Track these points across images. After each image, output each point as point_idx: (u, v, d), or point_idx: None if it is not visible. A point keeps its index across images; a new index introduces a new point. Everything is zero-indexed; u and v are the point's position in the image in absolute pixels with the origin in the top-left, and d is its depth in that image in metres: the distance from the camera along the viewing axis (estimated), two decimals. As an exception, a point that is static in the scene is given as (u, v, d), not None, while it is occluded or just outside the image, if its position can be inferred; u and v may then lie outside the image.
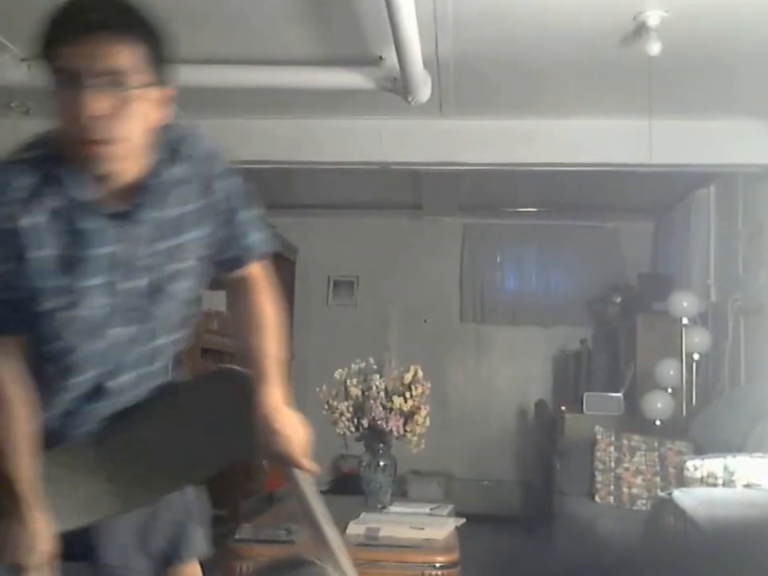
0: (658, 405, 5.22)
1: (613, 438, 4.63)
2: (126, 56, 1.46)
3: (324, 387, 3.78)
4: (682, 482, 3.52)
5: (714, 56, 3.82)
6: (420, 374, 3.75)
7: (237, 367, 1.89)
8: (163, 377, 1.85)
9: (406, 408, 3.69)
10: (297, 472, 1.77)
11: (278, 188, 6.01)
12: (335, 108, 4.66)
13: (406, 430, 3.71)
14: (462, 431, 7.05)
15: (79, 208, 1.54)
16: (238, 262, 1.81)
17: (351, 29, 3.64)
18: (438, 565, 3.00)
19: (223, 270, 1.81)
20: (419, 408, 3.71)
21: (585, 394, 5.76)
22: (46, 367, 1.65)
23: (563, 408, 5.93)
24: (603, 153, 4.81)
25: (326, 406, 3.75)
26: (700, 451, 4.22)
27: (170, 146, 1.62)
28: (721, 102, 4.44)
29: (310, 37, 3.77)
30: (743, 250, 5.15)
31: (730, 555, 2.78)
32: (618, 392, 5.75)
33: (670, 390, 5.27)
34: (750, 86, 4.21)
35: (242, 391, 1.79)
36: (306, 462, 1.76)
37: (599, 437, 4.65)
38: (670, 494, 3.15)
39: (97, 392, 1.71)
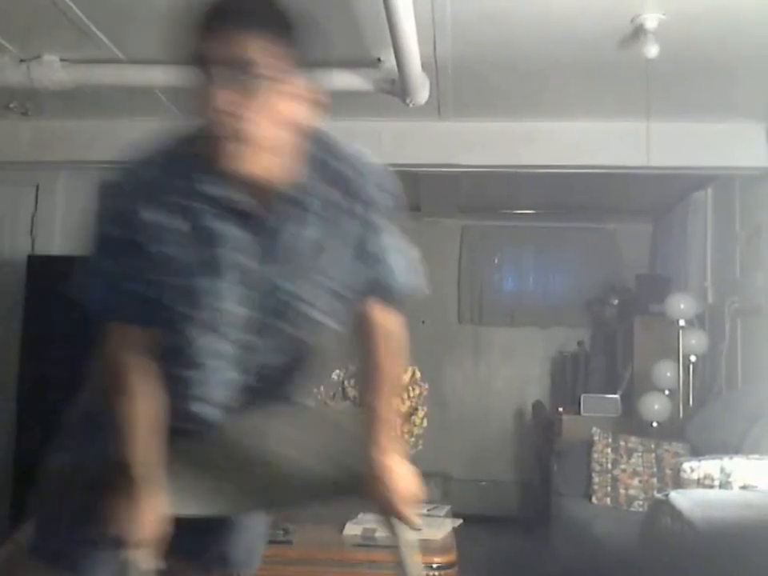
0: (655, 406, 5.23)
1: (610, 440, 4.64)
2: (261, 49, 1.43)
3: (322, 388, 3.79)
4: (679, 483, 3.52)
5: (711, 59, 3.83)
6: (418, 374, 3.75)
7: (357, 411, 1.90)
8: (289, 392, 1.84)
9: (403, 409, 3.70)
10: (399, 523, 1.78)
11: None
12: (334, 109, 4.66)
13: (403, 431, 3.72)
14: (460, 432, 7.05)
15: (211, 207, 1.51)
16: (371, 294, 1.74)
17: (350, 30, 3.64)
18: (435, 566, 3.00)
19: (362, 300, 1.75)
20: (417, 409, 3.71)
21: (582, 396, 5.77)
22: (170, 360, 1.66)
23: (560, 409, 5.94)
24: (601, 155, 4.81)
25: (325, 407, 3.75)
26: (697, 453, 4.23)
27: (321, 158, 1.58)
28: (718, 104, 4.44)
29: (308, 38, 3.76)
30: (740, 252, 5.16)
31: (726, 556, 2.79)
32: (615, 393, 5.76)
33: (666, 392, 5.28)
34: (748, 88, 4.22)
35: (358, 434, 1.81)
36: (410, 515, 1.77)
37: (596, 438, 4.66)
38: (666, 495, 3.16)
39: (217, 391, 1.70)
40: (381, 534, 3.19)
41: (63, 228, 5.54)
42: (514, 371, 7.37)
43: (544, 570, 4.70)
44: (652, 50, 3.47)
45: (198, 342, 1.62)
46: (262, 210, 1.53)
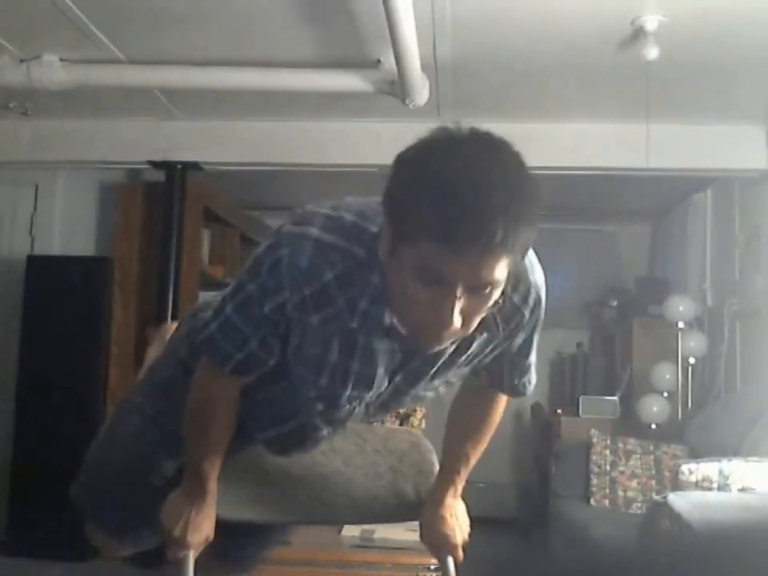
0: (654, 408, 5.23)
1: (608, 442, 4.64)
2: (504, 267, 1.26)
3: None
4: (677, 485, 3.52)
5: (711, 60, 3.83)
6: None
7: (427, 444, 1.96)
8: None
9: (401, 410, 3.70)
10: (450, 560, 1.85)
11: (274, 190, 6.02)
12: (333, 111, 4.67)
13: (402, 433, 3.71)
14: (458, 434, 7.04)
15: (373, 327, 1.44)
16: (492, 383, 1.76)
17: (349, 31, 3.64)
18: (432, 567, 3.01)
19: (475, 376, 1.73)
20: (415, 410, 3.71)
21: (581, 397, 5.76)
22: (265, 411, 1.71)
23: (559, 411, 5.93)
24: (601, 156, 4.81)
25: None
26: (695, 455, 4.23)
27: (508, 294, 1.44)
28: (718, 106, 4.45)
29: (308, 39, 3.77)
30: (740, 254, 5.16)
31: (724, 559, 2.78)
32: (614, 395, 5.76)
33: (665, 394, 5.28)
34: (748, 90, 4.22)
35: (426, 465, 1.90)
36: (459, 553, 1.85)
37: (595, 440, 4.66)
38: (665, 497, 3.16)
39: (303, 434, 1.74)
40: (378, 535, 3.19)
41: (62, 228, 5.54)
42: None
43: (542, 572, 4.70)
44: (652, 52, 3.47)
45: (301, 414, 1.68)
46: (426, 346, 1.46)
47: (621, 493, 4.47)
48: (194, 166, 4.95)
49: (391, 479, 1.90)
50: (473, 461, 1.83)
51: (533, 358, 1.73)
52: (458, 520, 1.85)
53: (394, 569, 3.03)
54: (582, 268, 7.33)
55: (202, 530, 1.71)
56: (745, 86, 4.15)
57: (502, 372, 1.71)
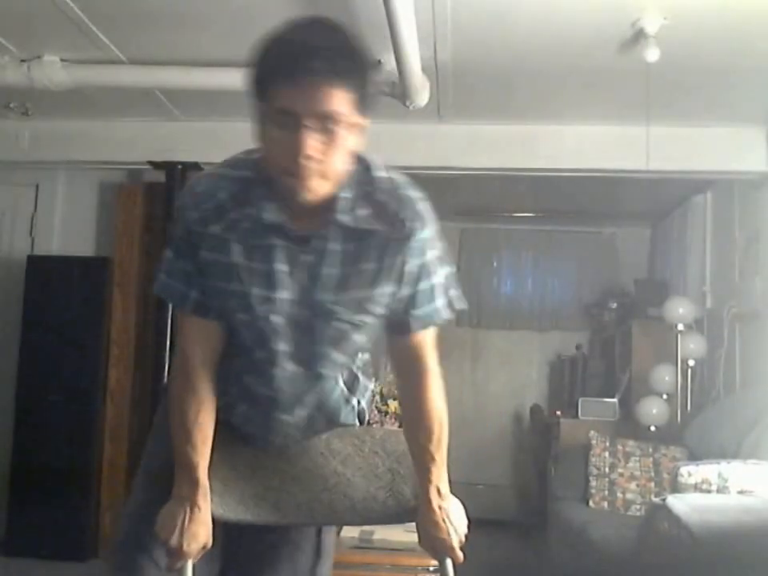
0: (653, 410, 5.23)
1: (608, 444, 4.64)
2: (344, 100, 1.53)
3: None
4: (676, 487, 3.52)
5: (711, 63, 3.83)
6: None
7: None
8: (340, 397, 1.89)
9: (401, 411, 3.70)
10: (448, 563, 1.83)
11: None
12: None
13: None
14: (457, 435, 6.93)
15: (265, 227, 1.64)
16: (404, 327, 1.79)
17: (350, 32, 3.64)
18: (431, 568, 3.00)
19: (389, 332, 1.81)
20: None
21: (580, 399, 5.76)
22: (227, 362, 1.78)
23: (558, 413, 5.94)
24: (601, 159, 4.82)
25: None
26: (694, 457, 4.23)
27: (363, 186, 1.67)
28: (718, 109, 4.45)
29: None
30: (739, 257, 5.16)
31: (723, 561, 2.79)
32: (613, 397, 5.76)
33: (665, 396, 5.28)
34: (748, 93, 4.22)
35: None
36: (457, 554, 1.82)
37: (594, 442, 4.66)
38: (664, 499, 3.16)
39: (266, 398, 1.80)
40: (378, 536, 3.19)
41: (62, 228, 5.55)
42: (511, 375, 7.37)
43: (541, 574, 4.70)
44: (653, 54, 3.47)
45: (247, 346, 1.74)
46: (313, 232, 1.65)
47: (620, 495, 4.47)
48: (194, 166, 4.95)
49: (390, 480, 1.90)
50: (438, 456, 1.83)
51: (440, 301, 1.79)
52: (452, 521, 1.83)
53: (393, 570, 3.03)
54: (582, 270, 7.35)
55: (198, 537, 1.70)
56: (745, 88, 4.16)
57: (404, 310, 1.76)
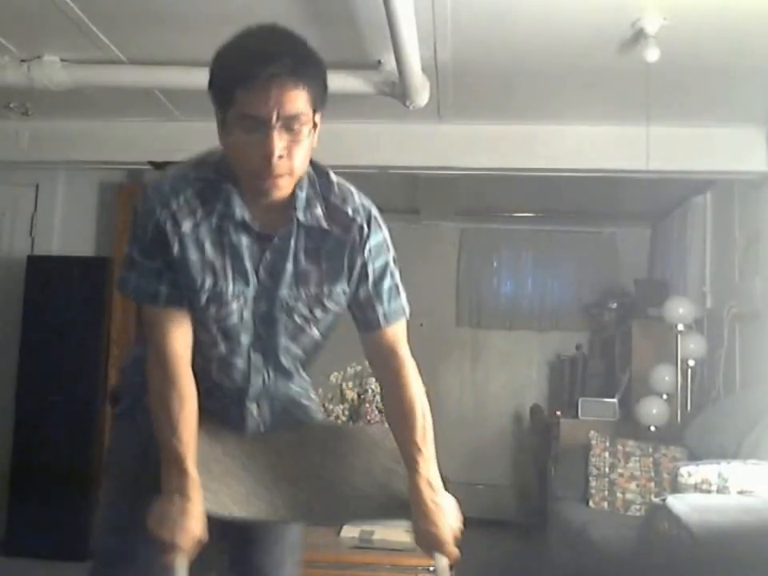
0: (653, 410, 5.23)
1: (607, 444, 4.64)
2: (306, 100, 1.61)
3: (320, 390, 3.78)
4: (676, 487, 3.52)
5: (712, 63, 3.83)
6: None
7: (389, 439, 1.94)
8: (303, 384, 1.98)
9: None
10: (440, 557, 1.81)
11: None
12: (333, 112, 4.65)
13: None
14: (458, 435, 7.04)
15: (232, 225, 1.71)
16: (374, 323, 1.86)
17: (350, 33, 3.64)
18: (431, 568, 2.99)
19: (363, 330, 1.88)
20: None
21: (580, 399, 5.77)
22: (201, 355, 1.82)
23: (558, 413, 5.94)
24: (600, 159, 4.81)
25: (322, 409, 3.75)
26: (694, 457, 4.23)
27: (316, 187, 1.77)
28: (718, 109, 4.45)
29: (308, 40, 3.76)
30: (739, 257, 5.16)
31: (723, 561, 2.79)
32: (613, 397, 5.76)
33: (665, 396, 5.28)
34: (748, 93, 4.22)
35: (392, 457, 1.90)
36: (451, 549, 1.80)
37: (594, 442, 4.66)
38: (663, 499, 3.16)
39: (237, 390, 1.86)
40: (378, 536, 3.19)
41: (62, 228, 5.55)
42: (511, 375, 7.37)
43: (541, 574, 4.70)
44: (653, 54, 3.47)
45: (215, 340, 1.79)
46: (275, 230, 1.73)
47: (620, 495, 4.47)
48: (194, 166, 4.95)
49: (386, 479, 1.90)
50: (425, 449, 1.83)
51: (403, 298, 1.88)
52: (445, 516, 1.81)
53: (393, 570, 3.02)
54: (582, 270, 7.35)
55: (190, 531, 1.67)
56: (745, 88, 4.16)
57: (372, 307, 1.84)
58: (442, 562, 1.81)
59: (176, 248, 1.71)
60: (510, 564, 5.37)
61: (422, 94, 4.09)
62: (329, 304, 1.81)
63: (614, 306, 6.54)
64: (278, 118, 1.57)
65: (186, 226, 1.71)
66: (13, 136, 5.01)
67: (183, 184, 1.72)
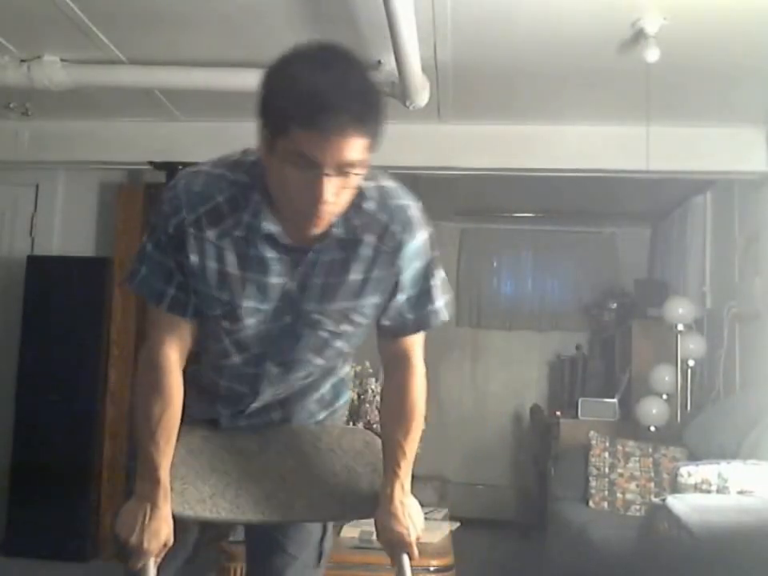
0: (653, 411, 5.23)
1: (607, 444, 4.64)
2: (364, 146, 1.51)
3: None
4: (676, 488, 3.52)
5: (712, 63, 3.83)
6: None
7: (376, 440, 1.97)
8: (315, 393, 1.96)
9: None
10: (404, 558, 1.84)
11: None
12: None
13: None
14: (458, 435, 7.05)
15: (260, 238, 1.63)
16: (399, 331, 1.81)
17: (350, 33, 3.64)
18: (432, 568, 3.00)
19: (381, 334, 1.83)
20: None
21: (580, 400, 5.77)
22: (205, 357, 1.82)
23: (558, 413, 5.94)
24: (600, 159, 4.82)
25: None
26: (694, 457, 4.23)
27: (354, 198, 1.63)
28: (718, 109, 4.45)
29: (309, 40, 3.77)
30: (739, 257, 5.16)
31: (723, 562, 2.79)
32: (613, 398, 5.76)
33: (664, 396, 5.28)
34: (748, 93, 4.22)
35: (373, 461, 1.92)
36: (416, 551, 1.85)
37: (594, 442, 4.66)
38: (663, 500, 3.15)
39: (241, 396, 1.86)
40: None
41: (62, 228, 5.55)
42: (511, 375, 7.37)
43: (541, 574, 4.70)
44: (652, 55, 3.47)
45: (226, 349, 1.77)
46: (307, 244, 1.65)
47: (620, 495, 4.47)
48: (194, 166, 4.95)
49: (346, 478, 1.91)
50: (409, 453, 1.84)
51: (439, 303, 1.81)
52: (411, 518, 1.84)
53: (392, 570, 3.02)
54: (582, 270, 7.35)
55: (159, 536, 1.70)
56: (745, 88, 4.16)
57: (403, 313, 1.78)
58: (405, 562, 1.84)
59: (195, 253, 1.64)
60: (510, 564, 5.37)
61: (422, 94, 4.09)
62: (358, 318, 1.75)
63: (614, 306, 6.54)
64: (333, 164, 1.48)
65: (211, 233, 1.64)
66: (13, 136, 5.01)
67: (216, 187, 1.64)
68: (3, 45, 3.94)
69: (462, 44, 3.75)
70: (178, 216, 1.64)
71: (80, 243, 5.48)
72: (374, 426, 3.68)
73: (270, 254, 1.65)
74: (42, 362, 5.07)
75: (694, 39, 3.60)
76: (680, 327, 5.28)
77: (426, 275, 1.77)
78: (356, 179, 1.55)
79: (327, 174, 1.48)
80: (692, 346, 5.28)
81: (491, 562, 5.23)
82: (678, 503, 3.05)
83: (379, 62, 3.94)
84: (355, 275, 1.69)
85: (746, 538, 2.87)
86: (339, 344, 1.80)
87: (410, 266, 1.73)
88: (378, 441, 1.95)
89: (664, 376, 5.30)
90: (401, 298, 1.75)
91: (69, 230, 5.55)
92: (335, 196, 1.52)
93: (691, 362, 5.30)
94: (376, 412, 3.69)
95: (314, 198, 1.50)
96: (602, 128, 4.77)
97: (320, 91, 1.45)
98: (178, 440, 1.76)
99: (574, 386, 6.58)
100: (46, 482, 4.91)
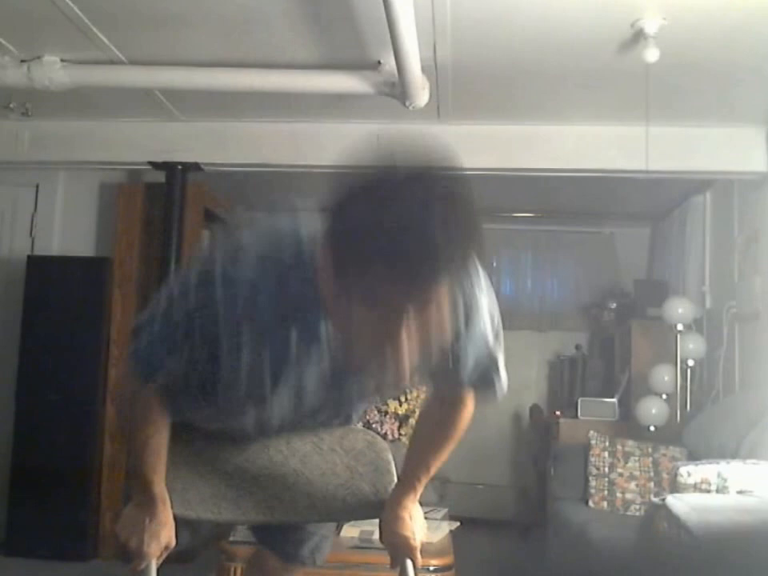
0: (653, 410, 5.23)
1: (607, 444, 4.65)
2: (447, 291, 1.30)
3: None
4: (676, 487, 3.52)
5: (711, 63, 3.84)
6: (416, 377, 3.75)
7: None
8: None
9: (401, 411, 3.70)
10: (409, 564, 1.86)
11: (274, 192, 6.02)
12: (333, 112, 4.67)
13: (400, 434, 3.72)
14: (457, 435, 7.04)
15: (319, 315, 1.48)
16: (455, 389, 1.76)
17: (350, 33, 3.65)
18: (432, 568, 3.00)
19: (436, 385, 1.78)
20: (414, 411, 3.71)
21: (579, 399, 5.76)
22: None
23: (558, 413, 5.94)
24: (600, 159, 4.82)
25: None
26: (694, 457, 4.23)
27: None
28: (718, 109, 4.45)
29: (308, 40, 3.77)
30: (738, 257, 5.16)
31: (723, 561, 2.78)
32: (612, 397, 5.76)
33: (664, 396, 5.28)
34: (748, 93, 4.23)
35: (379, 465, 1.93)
36: (419, 556, 1.87)
37: (593, 442, 4.66)
38: (663, 499, 3.15)
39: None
40: (378, 536, 3.19)
41: (62, 228, 5.55)
42: (511, 375, 7.23)
43: (540, 574, 4.70)
44: (652, 55, 3.47)
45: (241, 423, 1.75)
46: None
47: (619, 495, 4.48)
48: (195, 166, 4.96)
49: (348, 478, 1.92)
50: (433, 470, 1.86)
51: (497, 355, 1.80)
52: (416, 525, 1.87)
53: (393, 570, 3.02)
54: (581, 270, 7.35)
55: (159, 538, 1.71)
56: (744, 88, 4.16)
57: (458, 367, 1.68)
58: (409, 567, 1.86)
59: (247, 318, 1.48)
60: (510, 564, 5.37)
61: (421, 94, 4.09)
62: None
63: (614, 306, 6.54)
64: (414, 315, 1.27)
65: (268, 313, 1.49)
66: (13, 136, 5.01)
67: (268, 282, 1.48)
68: (3, 45, 3.94)
69: (462, 44, 3.76)
70: (239, 273, 1.50)
71: (80, 243, 5.49)
72: (374, 425, 3.69)
73: (322, 329, 1.53)
74: (42, 362, 5.07)
75: (693, 39, 3.60)
76: (679, 327, 5.28)
77: (481, 330, 1.75)
78: (441, 329, 1.37)
79: (404, 323, 1.27)
80: (691, 346, 5.28)
81: (491, 561, 5.23)
82: (678, 503, 3.05)
83: (379, 61, 3.94)
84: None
85: (746, 538, 2.87)
86: (354, 409, 1.88)
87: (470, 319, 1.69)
88: (380, 440, 1.95)
89: (663, 376, 5.30)
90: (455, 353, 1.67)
91: (69, 230, 5.55)
92: (413, 350, 1.32)
93: (691, 362, 5.30)
94: (376, 412, 3.69)
95: (385, 342, 1.30)
96: (602, 128, 4.77)
97: (406, 237, 1.24)
98: (178, 441, 1.77)
99: (573, 386, 6.57)
100: (46, 481, 4.91)
